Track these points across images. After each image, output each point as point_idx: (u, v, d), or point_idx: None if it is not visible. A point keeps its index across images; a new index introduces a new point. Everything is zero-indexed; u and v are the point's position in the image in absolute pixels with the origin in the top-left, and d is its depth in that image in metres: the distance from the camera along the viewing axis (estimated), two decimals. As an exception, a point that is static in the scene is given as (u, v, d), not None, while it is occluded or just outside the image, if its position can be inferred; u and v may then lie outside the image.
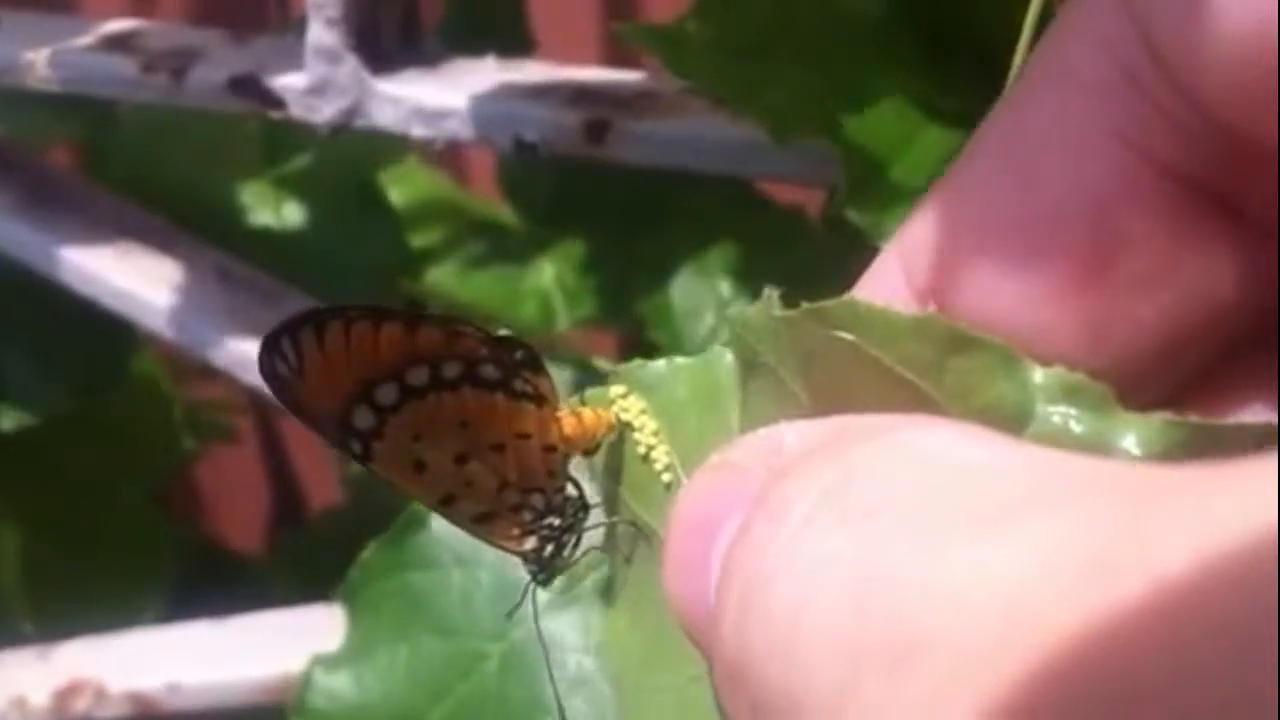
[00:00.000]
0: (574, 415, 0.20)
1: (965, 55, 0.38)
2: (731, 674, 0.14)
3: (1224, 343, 0.17)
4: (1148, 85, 0.16)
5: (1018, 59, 0.31)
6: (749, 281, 0.52)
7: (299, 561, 0.69)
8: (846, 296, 0.16)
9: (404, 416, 0.20)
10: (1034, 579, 0.12)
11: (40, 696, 0.59)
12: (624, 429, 0.20)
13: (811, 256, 0.51)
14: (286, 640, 0.57)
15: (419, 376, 0.20)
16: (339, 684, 0.43)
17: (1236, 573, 0.11)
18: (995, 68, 0.31)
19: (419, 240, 0.65)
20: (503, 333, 0.20)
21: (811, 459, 0.15)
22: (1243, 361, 0.17)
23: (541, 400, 0.20)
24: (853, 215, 0.40)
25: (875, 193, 0.39)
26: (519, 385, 0.20)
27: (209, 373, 0.74)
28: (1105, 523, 0.12)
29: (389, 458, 0.20)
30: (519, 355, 0.20)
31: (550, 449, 0.20)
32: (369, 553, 0.46)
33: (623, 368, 0.21)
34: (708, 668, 0.18)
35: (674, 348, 0.54)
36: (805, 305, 0.16)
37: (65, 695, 0.59)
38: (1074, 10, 0.17)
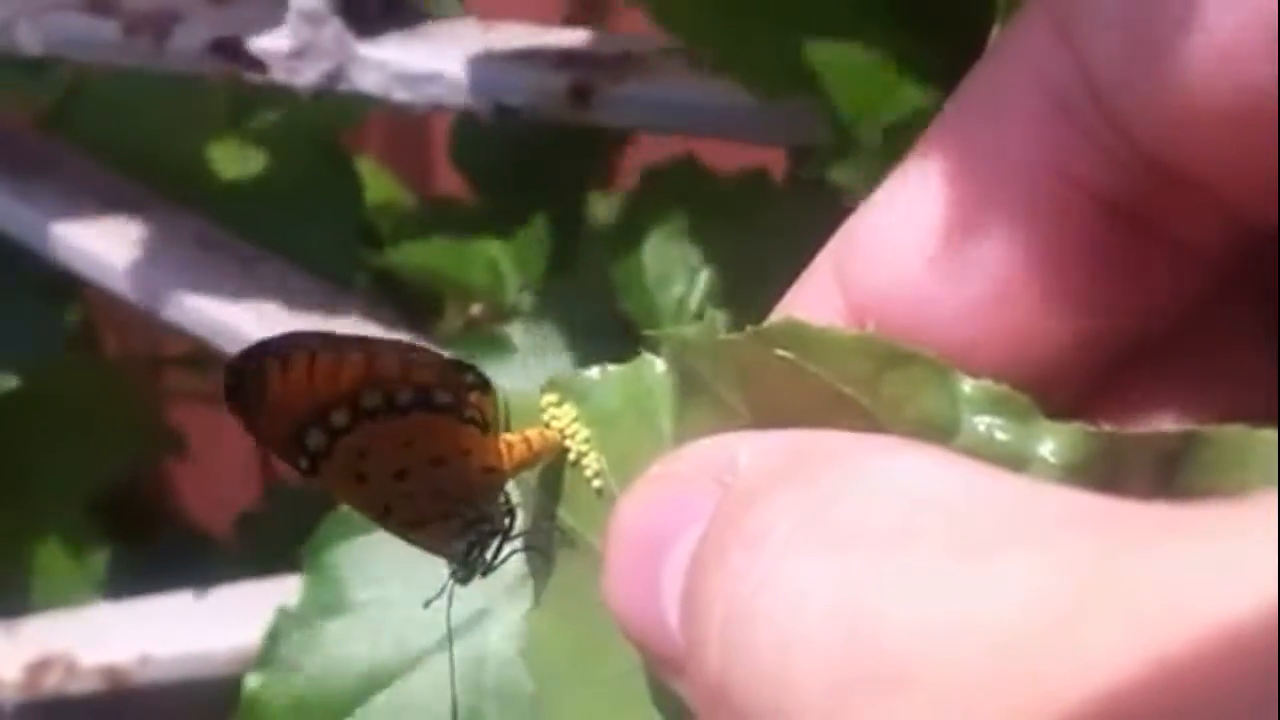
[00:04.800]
0: (525, 440, 0.21)
1: (944, 10, 0.39)
2: (716, 697, 0.15)
3: (1135, 354, 0.18)
4: (1080, 114, 0.17)
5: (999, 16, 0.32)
6: (717, 247, 0.53)
7: (266, 537, 0.68)
8: (786, 317, 0.17)
9: (354, 437, 0.20)
10: (1016, 617, 0.12)
11: (10, 672, 0.58)
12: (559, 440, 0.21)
13: (777, 219, 0.51)
14: (258, 611, 0.56)
15: (373, 400, 0.20)
16: (302, 639, 0.42)
17: (1221, 621, 0.11)
18: (975, 23, 0.32)
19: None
20: (456, 358, 0.21)
21: (780, 483, 0.15)
22: (1151, 372, 0.18)
23: (486, 425, 0.21)
24: (835, 174, 0.40)
25: (856, 151, 0.40)
26: (469, 411, 0.20)
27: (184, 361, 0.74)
28: (1086, 561, 0.12)
29: (333, 473, 0.21)
30: (469, 379, 0.21)
31: (489, 469, 0.21)
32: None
33: (556, 377, 0.21)
34: (643, 663, 0.18)
35: (646, 319, 0.54)
36: (749, 328, 0.17)
37: (36, 670, 0.58)
38: (1010, 37, 0.18)
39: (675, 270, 0.54)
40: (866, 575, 0.13)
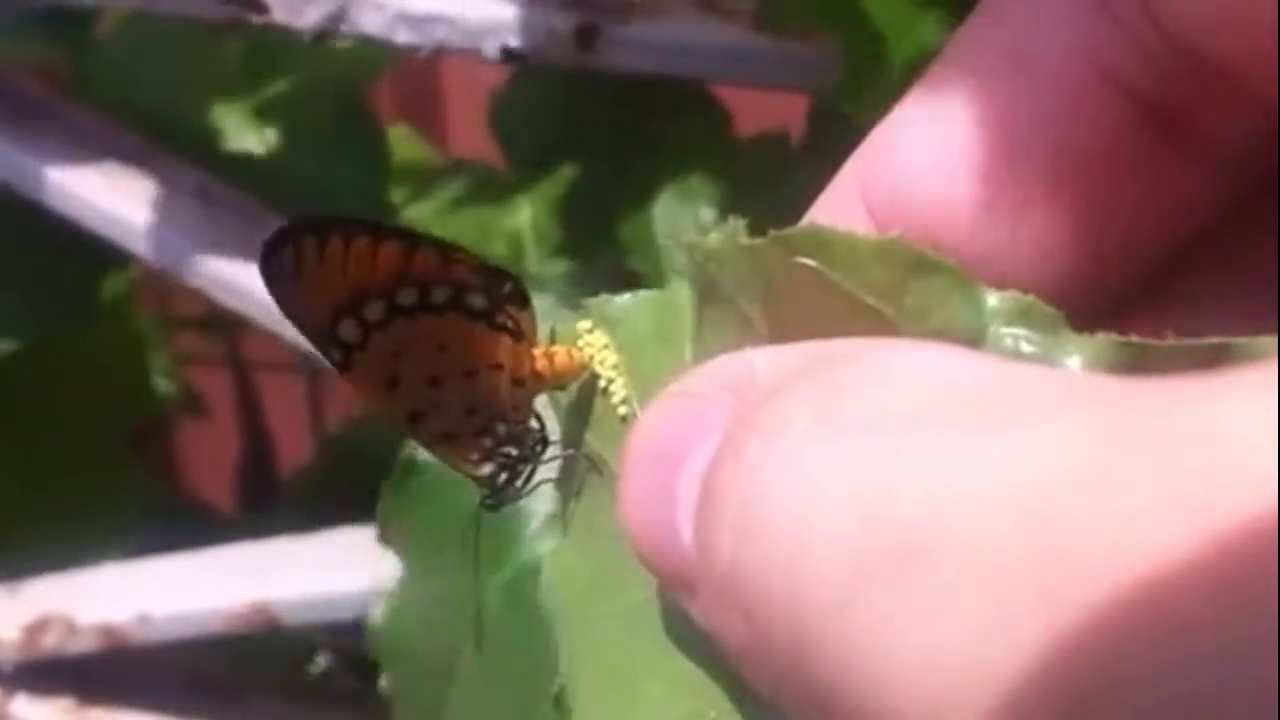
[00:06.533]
0: (547, 355, 0.20)
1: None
2: (727, 598, 0.14)
3: (1169, 259, 0.18)
4: (1114, 7, 0.17)
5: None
6: (731, 209, 0.52)
7: (269, 519, 0.68)
8: (810, 223, 0.16)
9: (388, 333, 0.20)
10: (1041, 480, 0.12)
11: (9, 631, 0.58)
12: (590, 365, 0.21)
13: (795, 183, 0.50)
14: (253, 571, 0.56)
15: (408, 297, 0.20)
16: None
17: (1266, 473, 0.11)
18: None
19: (399, 195, 0.65)
20: (494, 264, 0.21)
21: (795, 382, 0.15)
22: (1178, 287, 0.18)
23: (520, 335, 0.20)
24: (849, 107, 0.40)
25: (873, 84, 0.39)
26: (501, 318, 0.20)
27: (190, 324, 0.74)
28: (1109, 424, 0.12)
29: (366, 370, 0.21)
30: (507, 288, 0.20)
31: (520, 383, 0.21)
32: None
33: (590, 301, 0.21)
34: (657, 591, 0.18)
35: (654, 278, 0.54)
36: (771, 232, 0.17)
37: (34, 630, 0.58)
38: None
39: (686, 229, 0.53)
40: (882, 456, 0.13)
